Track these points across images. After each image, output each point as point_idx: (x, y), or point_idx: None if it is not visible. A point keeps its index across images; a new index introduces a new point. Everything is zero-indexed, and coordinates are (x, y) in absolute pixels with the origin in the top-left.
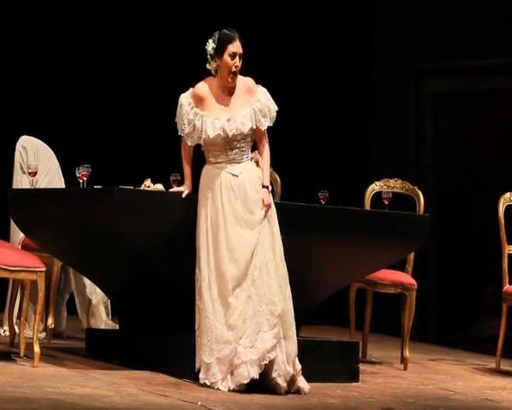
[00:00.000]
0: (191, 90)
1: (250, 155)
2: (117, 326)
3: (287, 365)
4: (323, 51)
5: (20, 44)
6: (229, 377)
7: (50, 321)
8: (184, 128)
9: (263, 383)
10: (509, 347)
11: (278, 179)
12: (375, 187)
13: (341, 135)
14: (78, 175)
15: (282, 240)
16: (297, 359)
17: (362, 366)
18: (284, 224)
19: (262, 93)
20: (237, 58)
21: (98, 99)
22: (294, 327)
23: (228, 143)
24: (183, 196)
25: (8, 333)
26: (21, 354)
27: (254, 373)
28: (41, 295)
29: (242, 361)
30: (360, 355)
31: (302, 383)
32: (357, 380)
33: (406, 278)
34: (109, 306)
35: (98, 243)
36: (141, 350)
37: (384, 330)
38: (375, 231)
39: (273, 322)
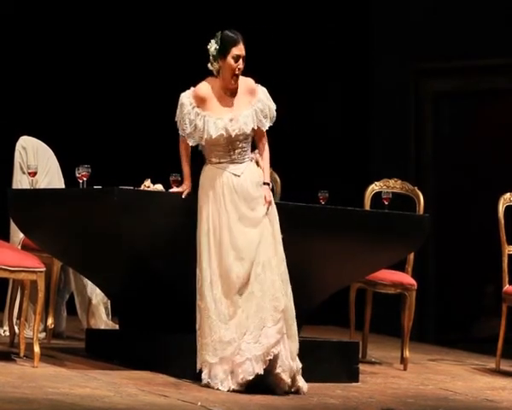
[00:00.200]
0: (192, 89)
1: (251, 156)
2: (117, 326)
3: (290, 360)
4: (323, 51)
5: (20, 44)
6: (229, 377)
7: (50, 321)
8: (186, 128)
9: (267, 380)
10: (509, 347)
11: (278, 179)
12: (375, 187)
13: (341, 135)
14: (78, 175)
15: (283, 239)
16: (297, 358)
17: (362, 366)
18: (284, 224)
19: (262, 93)
20: (241, 60)
21: (98, 99)
22: (296, 325)
23: (230, 144)
24: (184, 196)
25: (8, 333)
26: (21, 354)
27: (259, 369)
28: (41, 295)
29: (247, 358)
30: (360, 355)
31: (301, 382)
32: (357, 380)
33: (406, 278)
34: (109, 306)
35: (98, 243)
36: (141, 350)
37: (384, 331)
38: (375, 232)
39: (277, 317)
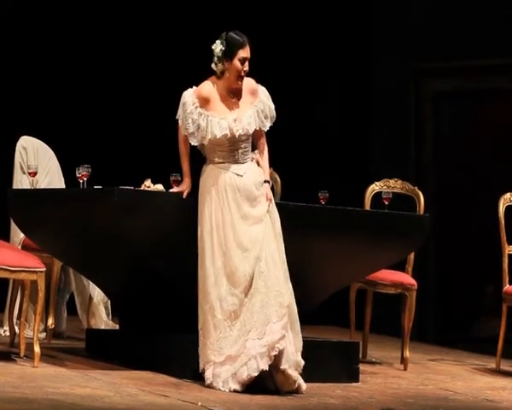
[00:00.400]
0: (195, 89)
1: (252, 156)
2: (117, 326)
3: (296, 356)
4: (323, 51)
5: (20, 44)
6: (232, 378)
7: (50, 321)
8: (189, 128)
9: (273, 377)
10: (509, 347)
11: (278, 179)
12: (375, 187)
13: (341, 135)
14: (78, 175)
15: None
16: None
17: (362, 367)
18: (284, 224)
19: (263, 94)
20: (246, 63)
21: (98, 99)
22: (298, 322)
23: (233, 144)
24: (184, 196)
25: (8, 333)
26: (21, 354)
27: (264, 365)
28: (41, 295)
29: (252, 356)
30: (360, 355)
31: (301, 380)
32: (357, 380)
33: (406, 278)
34: (109, 306)
35: (98, 243)
36: (141, 350)
37: (384, 331)
38: (375, 232)
39: (282, 313)
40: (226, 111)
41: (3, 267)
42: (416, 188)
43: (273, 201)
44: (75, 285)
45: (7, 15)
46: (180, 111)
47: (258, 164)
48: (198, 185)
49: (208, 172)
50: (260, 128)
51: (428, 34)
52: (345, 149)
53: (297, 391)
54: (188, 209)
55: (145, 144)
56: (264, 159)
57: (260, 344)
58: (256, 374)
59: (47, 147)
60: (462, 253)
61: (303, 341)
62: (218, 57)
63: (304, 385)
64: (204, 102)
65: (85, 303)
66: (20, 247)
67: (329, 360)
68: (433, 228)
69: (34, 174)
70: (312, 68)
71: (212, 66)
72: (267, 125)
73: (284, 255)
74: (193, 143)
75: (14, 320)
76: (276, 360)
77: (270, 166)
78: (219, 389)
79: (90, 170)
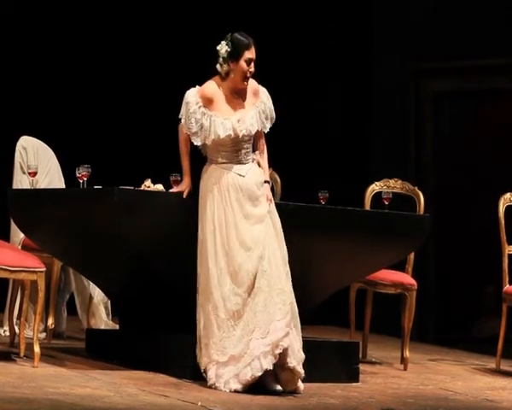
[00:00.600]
0: (198, 88)
1: (253, 157)
2: (117, 326)
3: (300, 352)
4: (323, 51)
5: (20, 44)
6: (234, 378)
7: (50, 321)
8: (191, 127)
9: (280, 375)
10: (509, 347)
11: (278, 179)
12: (375, 187)
13: (341, 135)
14: (78, 175)
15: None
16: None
17: (362, 367)
18: (284, 224)
19: (264, 94)
20: (252, 64)
21: (98, 99)
22: (299, 321)
23: (236, 144)
24: (184, 195)
25: (8, 333)
26: (21, 354)
27: (267, 364)
28: (41, 295)
29: (256, 356)
30: (360, 355)
31: (299, 381)
32: (357, 380)
33: (406, 278)
34: (109, 306)
35: (98, 243)
36: (141, 350)
37: (384, 331)
38: (375, 232)
39: (285, 310)
40: (230, 111)
41: (3, 267)
42: (415, 188)
43: (273, 201)
44: (75, 285)
45: (7, 15)
46: (183, 110)
47: (258, 165)
48: (198, 185)
49: (210, 171)
50: (262, 130)
51: (428, 34)
52: (345, 149)
53: (295, 391)
54: (188, 209)
55: (145, 144)
56: (265, 159)
57: (264, 343)
58: (260, 374)
59: (47, 147)
60: (462, 253)
61: (303, 341)
62: (223, 58)
63: (302, 386)
64: (207, 102)
65: (85, 303)
66: (20, 247)
67: (329, 360)
68: (433, 228)
69: (34, 174)
70: (312, 68)
71: (217, 67)
72: (267, 126)
73: (286, 254)
74: (195, 143)
75: (14, 320)
76: (282, 359)
77: (270, 166)
78: (221, 390)
79: (90, 170)
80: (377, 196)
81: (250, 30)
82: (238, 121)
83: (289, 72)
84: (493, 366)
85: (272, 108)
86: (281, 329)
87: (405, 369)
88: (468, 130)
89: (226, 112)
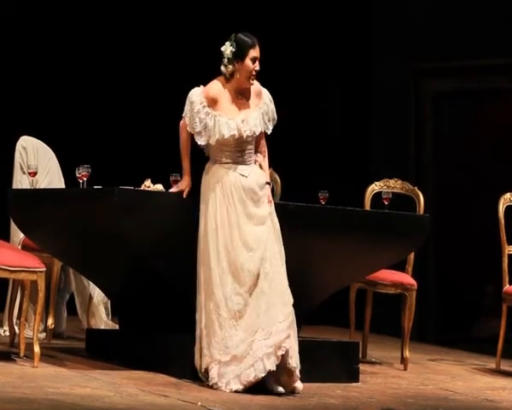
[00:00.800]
0: (203, 89)
1: (254, 158)
2: (117, 326)
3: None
4: (323, 51)
5: (20, 44)
6: (236, 378)
7: (50, 321)
8: (196, 127)
9: (278, 377)
10: (509, 347)
11: (278, 179)
12: (375, 187)
13: (341, 135)
14: (78, 175)
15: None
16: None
17: (362, 366)
18: (284, 224)
19: (267, 96)
20: (257, 62)
21: (98, 99)
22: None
23: (240, 145)
24: (184, 195)
25: (8, 333)
26: (21, 354)
27: (271, 365)
28: (41, 295)
29: (259, 357)
30: (360, 355)
31: (298, 381)
32: (357, 380)
33: (406, 278)
34: (109, 306)
35: (98, 243)
36: (141, 350)
37: (384, 331)
38: (375, 232)
39: (287, 312)
40: (234, 112)
41: (3, 267)
42: (415, 188)
43: (273, 203)
44: (75, 285)
45: (7, 15)
46: (187, 109)
47: (260, 167)
48: (198, 184)
49: (213, 171)
50: (265, 131)
51: (428, 34)
52: (345, 149)
53: (294, 391)
54: (188, 209)
55: (145, 144)
56: (265, 160)
57: (267, 345)
58: (263, 375)
59: (47, 147)
60: (462, 253)
61: (303, 341)
62: (228, 59)
63: (300, 386)
64: (212, 102)
65: (85, 303)
66: (20, 247)
67: (329, 360)
68: (433, 228)
69: (34, 174)
70: (312, 68)
71: (222, 68)
72: (270, 127)
73: (284, 257)
74: (199, 143)
75: (14, 320)
76: (284, 360)
77: (270, 166)
78: (222, 390)
79: (90, 170)
80: (377, 196)
81: (250, 30)
82: (242, 122)
83: (289, 72)
84: (493, 366)
85: (274, 109)
86: (283, 331)
87: (405, 369)
88: (468, 130)
89: (231, 112)
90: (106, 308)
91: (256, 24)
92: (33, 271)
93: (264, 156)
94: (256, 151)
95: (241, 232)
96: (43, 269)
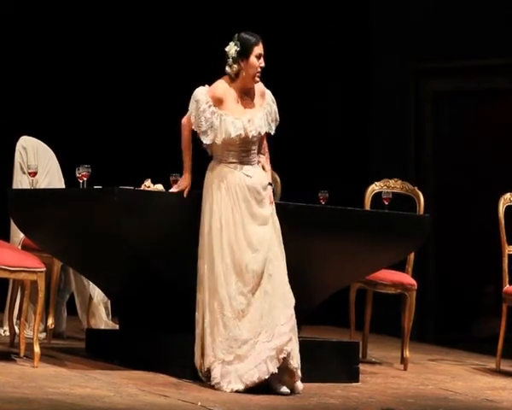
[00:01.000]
0: (208, 88)
1: (257, 159)
2: (117, 326)
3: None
4: (323, 51)
5: (20, 44)
6: (238, 379)
7: (50, 321)
8: (201, 126)
9: (280, 378)
10: (509, 347)
11: (278, 179)
12: (375, 187)
13: (341, 135)
14: (78, 175)
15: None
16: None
17: (362, 367)
18: (284, 224)
19: (270, 97)
20: (262, 58)
21: (98, 99)
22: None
23: (245, 144)
24: (185, 195)
25: (8, 333)
26: (21, 354)
27: (273, 368)
28: (41, 295)
29: (262, 360)
30: (360, 355)
31: (298, 382)
32: (357, 380)
33: (406, 278)
34: (109, 306)
35: (98, 243)
36: (141, 350)
37: (384, 331)
38: (375, 232)
39: (289, 314)
40: (240, 111)
41: (3, 267)
42: (415, 188)
43: (273, 204)
44: (75, 285)
45: (7, 15)
46: (192, 108)
47: (263, 168)
48: (200, 182)
49: (218, 170)
50: (268, 132)
51: (428, 34)
52: (345, 149)
53: (294, 391)
54: (188, 209)
55: (145, 144)
56: (268, 161)
57: (269, 347)
58: (266, 377)
59: (47, 147)
60: (462, 253)
61: (303, 341)
62: (233, 58)
63: (300, 386)
64: (217, 101)
65: (85, 303)
66: (20, 247)
67: (329, 360)
68: (433, 228)
69: (34, 174)
70: (312, 68)
71: (226, 68)
72: (273, 128)
73: (285, 258)
74: (204, 142)
75: (14, 320)
76: (286, 361)
77: (271, 166)
78: (224, 390)
79: (90, 170)
80: (377, 196)
81: (250, 30)
82: (249, 121)
83: (289, 72)
84: (493, 366)
85: (277, 110)
86: (285, 333)
87: (405, 369)
88: (468, 130)
89: (236, 112)
90: (106, 308)
91: (256, 24)
92: (33, 271)
93: (266, 157)
94: (258, 152)
95: (246, 232)
96: (43, 269)
